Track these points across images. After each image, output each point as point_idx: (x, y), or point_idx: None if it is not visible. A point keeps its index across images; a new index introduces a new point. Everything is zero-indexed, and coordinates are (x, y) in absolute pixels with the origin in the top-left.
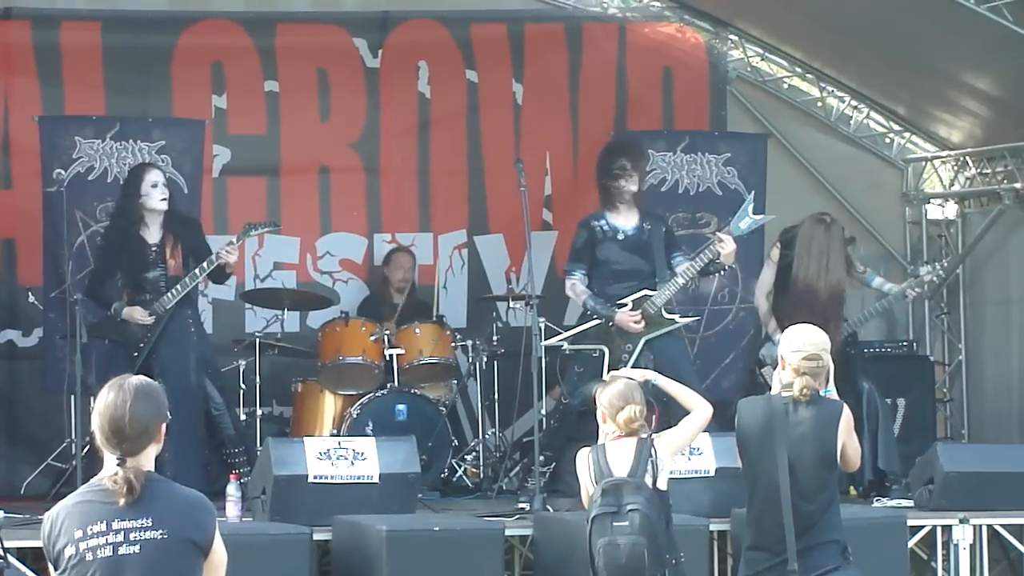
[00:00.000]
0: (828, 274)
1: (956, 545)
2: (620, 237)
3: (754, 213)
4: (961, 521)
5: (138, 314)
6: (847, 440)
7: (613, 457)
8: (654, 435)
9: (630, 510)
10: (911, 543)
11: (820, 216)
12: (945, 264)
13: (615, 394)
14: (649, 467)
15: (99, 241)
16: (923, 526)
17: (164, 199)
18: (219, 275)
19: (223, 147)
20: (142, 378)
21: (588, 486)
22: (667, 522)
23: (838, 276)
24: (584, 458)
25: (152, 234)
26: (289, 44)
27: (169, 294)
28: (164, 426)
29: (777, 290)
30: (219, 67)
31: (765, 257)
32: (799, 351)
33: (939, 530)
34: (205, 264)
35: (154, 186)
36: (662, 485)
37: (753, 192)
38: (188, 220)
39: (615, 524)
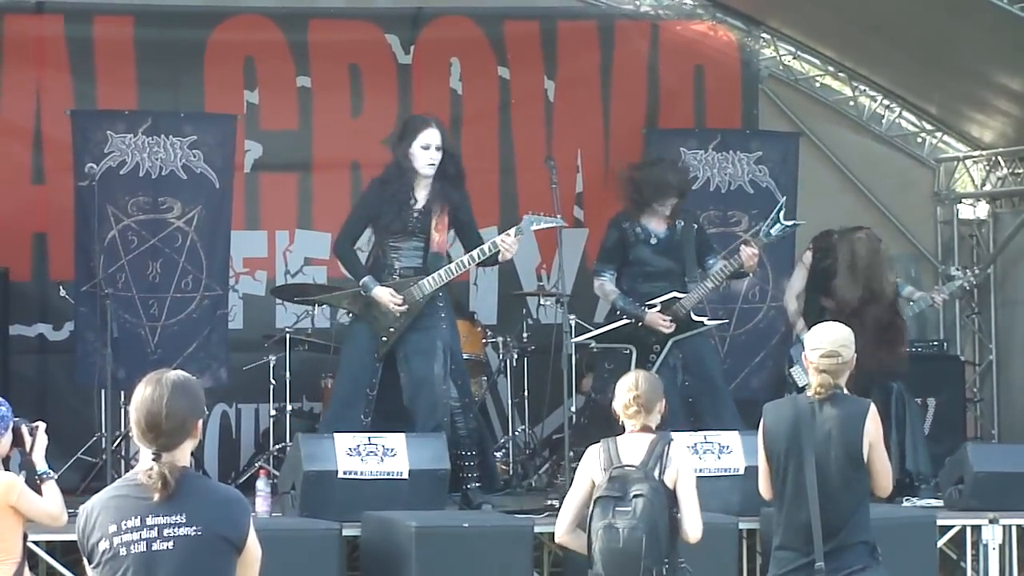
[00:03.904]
0: (875, 290)
1: (986, 545)
2: (653, 241)
3: (785, 219)
4: (991, 521)
5: (389, 301)
6: (875, 447)
7: (625, 449)
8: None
9: (635, 496)
10: (940, 543)
11: (859, 231)
12: (977, 272)
13: (619, 384)
14: (660, 461)
15: (362, 190)
16: (952, 526)
17: (432, 164)
18: (492, 261)
19: (255, 142)
20: (180, 373)
21: (595, 477)
22: (670, 518)
23: (884, 284)
24: (594, 451)
25: (419, 197)
26: (321, 40)
27: (428, 280)
28: (201, 422)
29: (813, 293)
30: (251, 62)
31: (796, 259)
32: (817, 348)
33: (968, 530)
34: (475, 254)
35: (425, 148)
36: (669, 480)
37: (785, 198)
38: (462, 194)
39: (617, 509)
